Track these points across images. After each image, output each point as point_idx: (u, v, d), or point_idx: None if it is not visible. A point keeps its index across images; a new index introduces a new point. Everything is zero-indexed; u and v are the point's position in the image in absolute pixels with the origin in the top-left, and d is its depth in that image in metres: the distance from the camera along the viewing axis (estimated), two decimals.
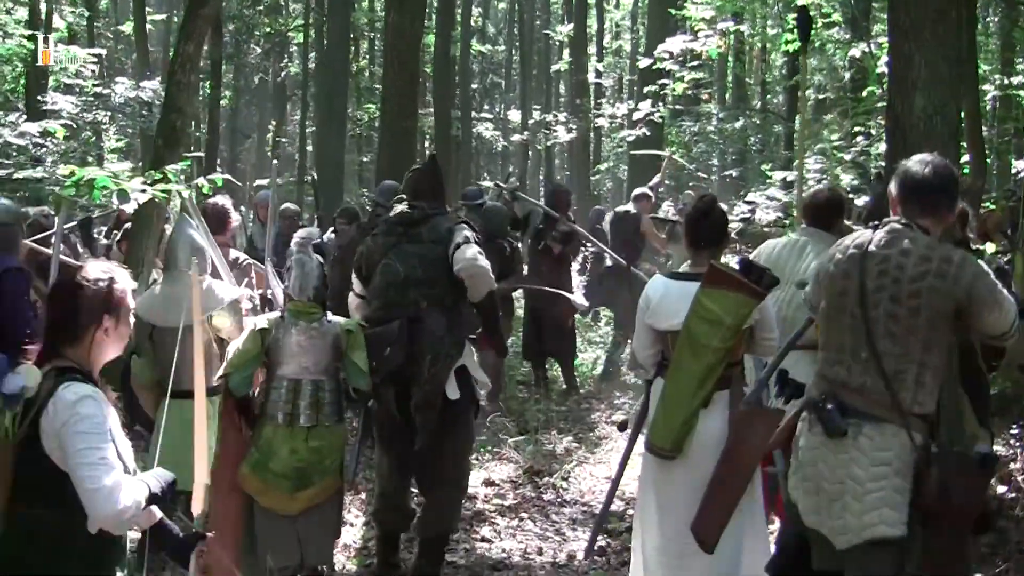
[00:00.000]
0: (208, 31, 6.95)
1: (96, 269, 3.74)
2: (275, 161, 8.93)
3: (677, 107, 23.18)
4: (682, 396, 5.04)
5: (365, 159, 29.75)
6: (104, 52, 30.73)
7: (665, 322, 5.26)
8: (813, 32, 11.78)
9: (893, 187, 4.37)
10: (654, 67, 12.46)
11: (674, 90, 12.74)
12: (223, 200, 7.88)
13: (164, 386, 5.92)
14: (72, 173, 4.50)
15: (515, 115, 38.99)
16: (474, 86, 40.38)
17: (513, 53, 42.44)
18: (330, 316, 5.80)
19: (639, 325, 5.49)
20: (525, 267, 12.17)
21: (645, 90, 13.82)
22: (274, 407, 5.57)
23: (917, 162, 4.34)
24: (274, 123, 34.21)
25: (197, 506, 4.15)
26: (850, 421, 4.15)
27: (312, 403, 5.58)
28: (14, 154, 21.71)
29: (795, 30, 11.90)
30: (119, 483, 3.42)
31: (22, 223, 7.10)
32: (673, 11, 13.40)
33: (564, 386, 11.87)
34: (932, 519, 4.13)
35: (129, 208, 4.37)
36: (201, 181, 4.89)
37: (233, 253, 7.73)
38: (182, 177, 5.42)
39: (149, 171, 4.69)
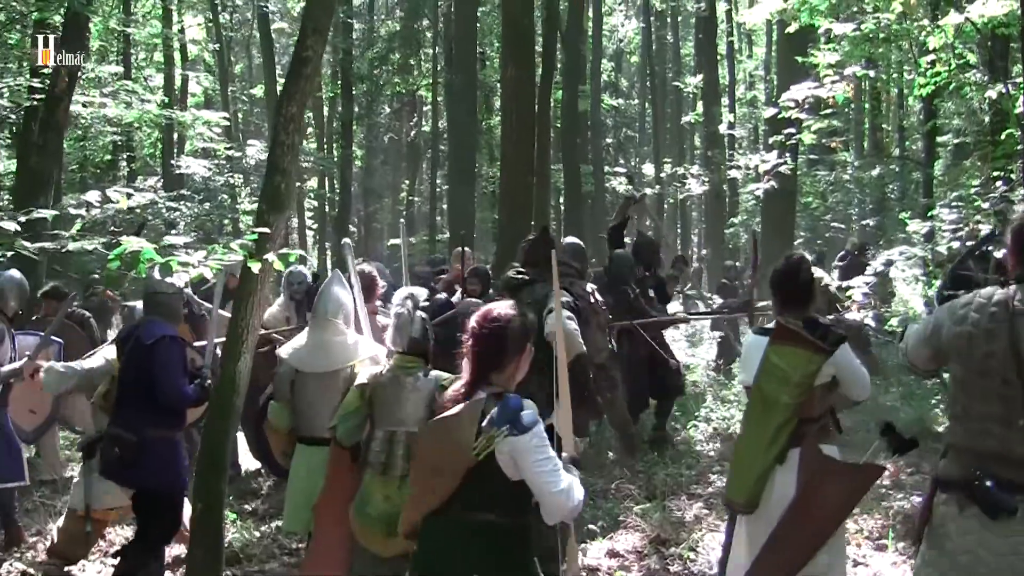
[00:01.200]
0: (311, 92, 6.81)
1: (506, 307, 4.45)
2: (402, 220, 8.88)
3: (811, 156, 22.69)
4: (755, 452, 5.12)
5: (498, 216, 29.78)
6: (238, 115, 31.50)
7: (748, 376, 5.39)
8: (948, 73, 11.30)
9: (1010, 241, 4.15)
10: (779, 116, 12.07)
11: (801, 140, 12.31)
12: (370, 267, 7.89)
13: (298, 433, 6.62)
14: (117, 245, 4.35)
15: (649, 168, 38.66)
16: (608, 140, 40.26)
17: (646, 106, 42.25)
18: (429, 371, 5.92)
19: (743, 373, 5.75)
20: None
21: (771, 140, 13.45)
22: (373, 456, 5.77)
23: None
24: (407, 182, 34.50)
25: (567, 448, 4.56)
26: (1017, 498, 3.80)
27: (406, 454, 5.70)
28: (149, 219, 22.27)
29: (927, 74, 11.46)
30: (572, 483, 4.13)
31: (183, 293, 7.30)
32: (800, 59, 13.00)
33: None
34: None
35: (178, 281, 4.23)
36: (272, 257, 4.71)
37: (382, 320, 7.73)
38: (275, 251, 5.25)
39: (212, 245, 4.52)
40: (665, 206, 37.48)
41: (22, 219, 5.45)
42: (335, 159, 31.12)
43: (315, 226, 39.86)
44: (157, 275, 4.53)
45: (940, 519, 4.05)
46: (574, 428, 5.24)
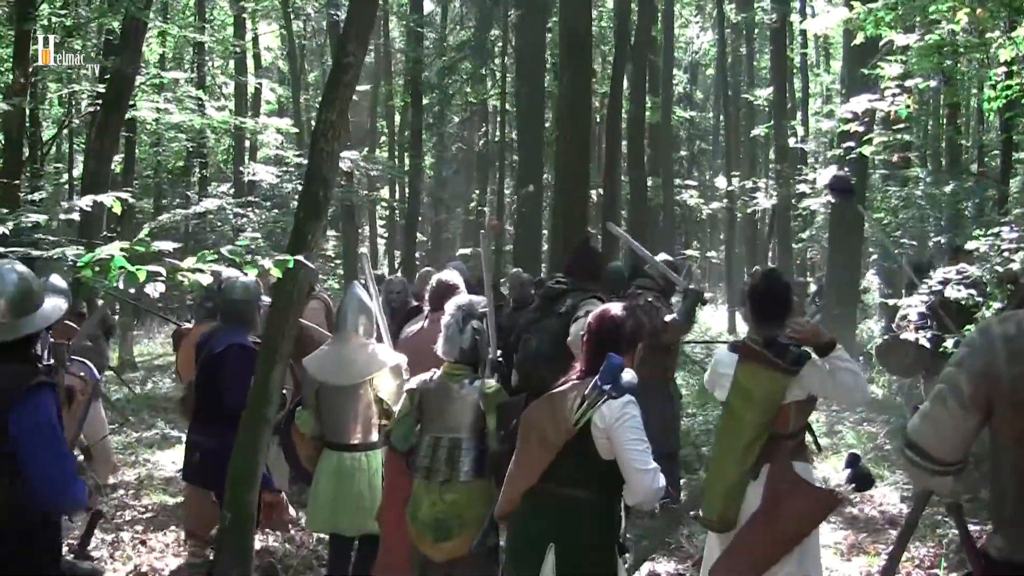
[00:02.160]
0: (350, 99, 6.72)
1: (620, 307, 4.97)
2: (483, 232, 8.89)
3: (883, 172, 22.18)
4: (725, 469, 5.22)
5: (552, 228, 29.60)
6: (311, 122, 31.48)
7: (720, 393, 5.50)
8: (1020, 86, 10.89)
9: None
10: (839, 130, 11.81)
11: (862, 154, 11.95)
12: (449, 275, 7.81)
13: (324, 439, 6.83)
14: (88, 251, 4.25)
15: (722, 181, 38.26)
16: (682, 152, 39.94)
17: (721, 119, 41.87)
18: (475, 379, 6.01)
19: (708, 377, 5.88)
20: None
21: (829, 154, 13.19)
22: (419, 460, 5.90)
23: None
24: (476, 192, 34.41)
25: None
26: None
27: (447, 459, 5.82)
28: (218, 225, 22.46)
29: (997, 87, 11.08)
30: (657, 468, 4.52)
31: (259, 301, 7.50)
32: (865, 71, 12.68)
33: None
34: None
35: (153, 292, 4.14)
36: (268, 264, 4.61)
37: None
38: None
39: (202, 252, 4.41)
40: (737, 219, 37.05)
41: (11, 224, 5.43)
42: (405, 168, 31.10)
43: (386, 234, 40.04)
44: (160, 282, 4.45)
45: None
46: None
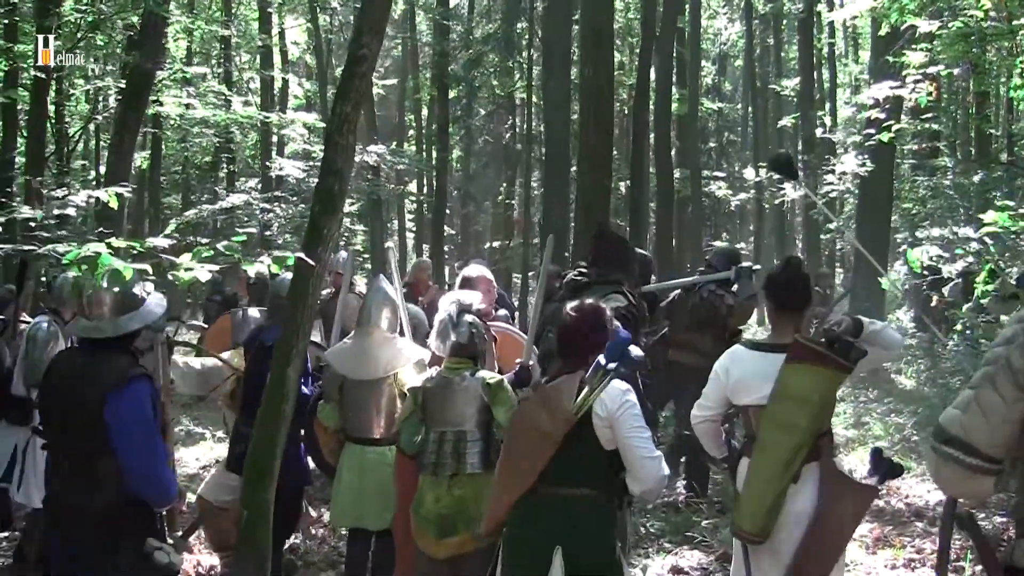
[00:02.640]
0: (365, 92, 6.66)
1: (591, 300, 5.06)
2: (551, 236, 8.81)
3: (911, 161, 22.00)
4: (770, 477, 4.75)
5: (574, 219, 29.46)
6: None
7: (747, 397, 5.07)
8: None
9: None
10: (860, 116, 11.72)
11: (881, 140, 11.79)
12: (474, 270, 7.82)
13: (347, 433, 6.88)
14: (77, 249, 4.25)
15: (750, 172, 38.01)
16: (710, 144, 39.72)
17: (749, 110, 41.63)
18: (476, 371, 5.95)
19: (713, 391, 5.32)
20: None
21: (849, 141, 13.09)
22: (426, 457, 5.85)
23: None
24: (504, 185, 34.30)
25: None
26: None
27: (453, 452, 5.79)
28: (245, 220, 22.51)
29: None
30: (661, 455, 4.56)
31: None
32: (891, 59, 12.57)
33: None
34: None
35: (141, 292, 4.18)
36: (266, 260, 4.57)
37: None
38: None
39: (198, 248, 4.37)
40: (765, 210, 36.85)
41: (2, 219, 5.41)
42: (433, 162, 31.08)
43: (414, 228, 40.03)
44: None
45: None
46: None
